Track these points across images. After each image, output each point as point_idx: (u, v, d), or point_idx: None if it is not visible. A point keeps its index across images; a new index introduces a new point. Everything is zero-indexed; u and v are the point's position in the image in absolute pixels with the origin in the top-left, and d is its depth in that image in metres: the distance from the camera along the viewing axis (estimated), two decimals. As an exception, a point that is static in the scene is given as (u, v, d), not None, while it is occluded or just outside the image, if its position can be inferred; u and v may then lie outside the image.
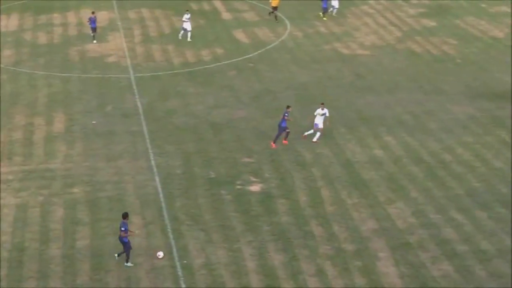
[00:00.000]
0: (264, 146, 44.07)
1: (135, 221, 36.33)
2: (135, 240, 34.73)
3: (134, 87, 52.52)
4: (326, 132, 45.59)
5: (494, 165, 42.54)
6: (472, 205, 38.52)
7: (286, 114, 43.69)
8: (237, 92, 52.00)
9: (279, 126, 43.99)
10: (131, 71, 55.36)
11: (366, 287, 32.23)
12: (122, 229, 32.87)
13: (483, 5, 73.27)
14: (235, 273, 32.90)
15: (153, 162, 42.17)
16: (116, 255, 33.64)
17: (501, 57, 59.67)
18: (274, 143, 44.22)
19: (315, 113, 44.58)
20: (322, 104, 44.98)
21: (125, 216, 33.23)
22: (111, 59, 57.79)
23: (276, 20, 66.49)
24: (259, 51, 59.97)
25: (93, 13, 61.27)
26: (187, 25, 61.34)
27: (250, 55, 59.04)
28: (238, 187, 39.88)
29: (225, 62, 57.49)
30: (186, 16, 61.31)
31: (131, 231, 33.83)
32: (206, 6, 71.75)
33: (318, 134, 44.65)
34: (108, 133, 45.52)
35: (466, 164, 42.58)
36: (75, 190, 39.30)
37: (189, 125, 46.84)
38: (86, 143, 44.37)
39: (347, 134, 45.79)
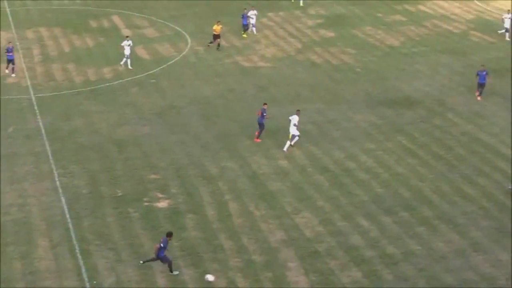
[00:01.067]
0: (170, 162, 44.07)
1: (42, 244, 35.83)
2: (43, 264, 34.30)
3: (36, 107, 51.74)
4: (231, 146, 46.04)
5: (396, 170, 43.56)
6: (377, 211, 39.35)
7: (265, 113, 46.15)
8: (141, 109, 51.82)
9: (259, 123, 46.42)
10: (32, 91, 54.51)
11: (277, 297, 32.68)
12: (162, 245, 33.06)
13: (379, 15, 74.94)
14: (146, 290, 32.86)
15: (58, 183, 41.63)
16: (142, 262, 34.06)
17: (398, 65, 61.15)
18: (258, 138, 46.61)
19: (291, 119, 45.56)
20: (298, 111, 46.15)
21: (169, 234, 33.51)
22: (10, 80, 56.76)
23: (218, 48, 63.72)
24: (161, 67, 59.90)
25: (9, 42, 59.55)
26: (127, 52, 59.13)
27: (152, 71, 58.90)
28: (146, 204, 39.75)
29: (127, 79, 57.22)
30: (126, 42, 59.22)
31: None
32: (105, 23, 71.30)
33: (296, 138, 45.73)
34: (11, 155, 44.72)
35: (369, 171, 43.47)
36: (-21, 215, 38.53)
37: (93, 143, 46.43)
38: (-12, 166, 43.56)
39: (252, 146, 46.16)
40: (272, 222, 38.22)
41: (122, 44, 59.42)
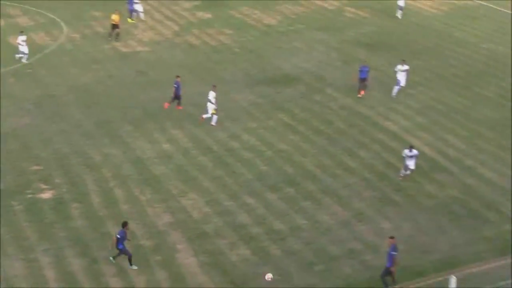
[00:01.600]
0: (52, 152, 43.39)
1: None
2: None
3: None
4: (113, 132, 45.73)
5: (279, 147, 44.18)
6: (262, 188, 39.86)
7: (176, 85, 48.01)
8: (18, 100, 50.67)
9: (177, 96, 48.39)
10: None
11: (168, 280, 32.73)
12: (118, 236, 32.77)
13: (255, -6, 75.51)
14: (35, 284, 32.31)
15: None
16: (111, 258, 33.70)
17: (275, 43, 61.86)
18: (169, 103, 48.42)
19: (211, 98, 46.63)
20: (214, 86, 47.05)
21: (125, 224, 33.30)
22: None
23: (117, 39, 61.80)
24: (36, 56, 58.68)
25: None
26: (24, 48, 56.89)
27: (28, 61, 57.62)
28: (29, 196, 39.06)
29: (2, 70, 55.83)
30: (22, 37, 56.80)
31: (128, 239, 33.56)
32: (-24, 14, 69.34)
33: (215, 117, 46.66)
34: None
35: (252, 150, 43.94)
36: None
37: (-30, 138, 45.23)
38: None
39: (135, 131, 45.93)
40: (158, 206, 38.24)
41: (18, 41, 57.16)
